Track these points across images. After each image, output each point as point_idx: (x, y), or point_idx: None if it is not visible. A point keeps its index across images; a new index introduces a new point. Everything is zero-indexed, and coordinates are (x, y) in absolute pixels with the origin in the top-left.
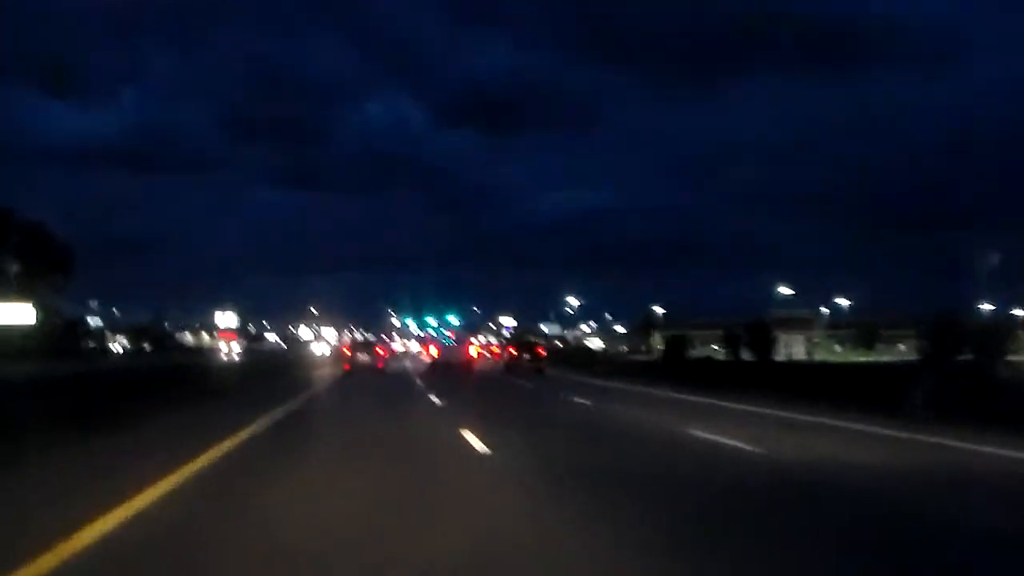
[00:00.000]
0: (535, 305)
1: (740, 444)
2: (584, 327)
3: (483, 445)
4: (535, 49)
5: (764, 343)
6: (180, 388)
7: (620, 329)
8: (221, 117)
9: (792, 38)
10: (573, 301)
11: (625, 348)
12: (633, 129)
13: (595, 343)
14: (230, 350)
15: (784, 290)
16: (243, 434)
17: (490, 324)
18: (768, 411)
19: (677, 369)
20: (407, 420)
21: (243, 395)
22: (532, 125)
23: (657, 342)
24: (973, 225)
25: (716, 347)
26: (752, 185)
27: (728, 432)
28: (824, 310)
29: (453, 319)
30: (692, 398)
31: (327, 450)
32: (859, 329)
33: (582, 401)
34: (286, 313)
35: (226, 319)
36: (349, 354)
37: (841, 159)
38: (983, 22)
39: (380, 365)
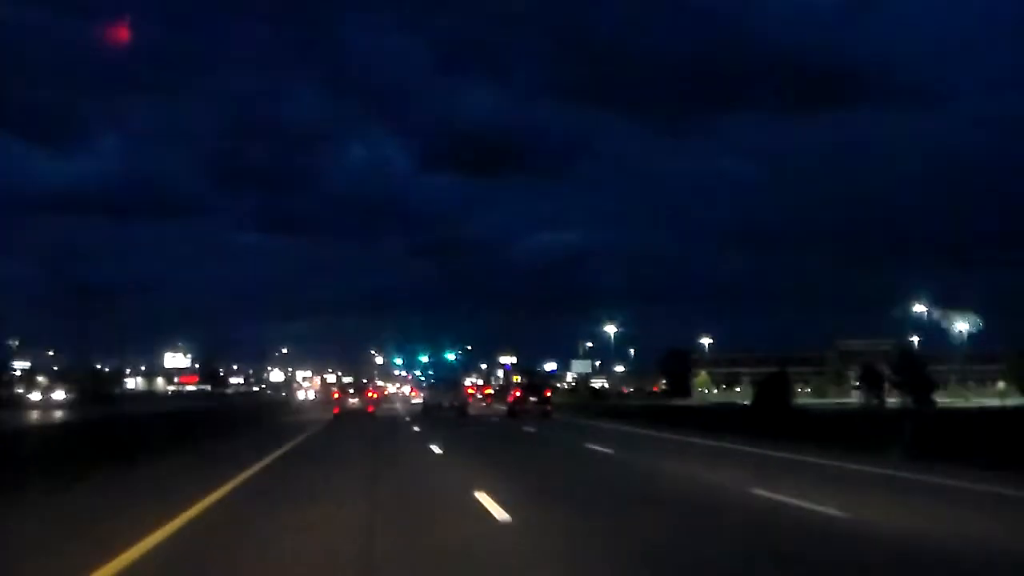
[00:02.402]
0: (530, 345)
1: None
2: (576, 365)
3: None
4: (517, 92)
5: (922, 382)
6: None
7: (619, 368)
8: (201, 162)
9: (774, 78)
10: (606, 332)
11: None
12: (617, 169)
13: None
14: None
15: (919, 309)
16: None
17: (481, 365)
18: None
19: (781, 419)
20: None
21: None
22: (515, 167)
23: (703, 381)
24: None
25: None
26: (742, 222)
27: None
28: (914, 339)
29: (451, 356)
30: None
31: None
32: (1010, 363)
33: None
34: (263, 356)
35: (176, 360)
36: (338, 397)
37: (824, 196)
38: (967, 61)
39: (371, 408)
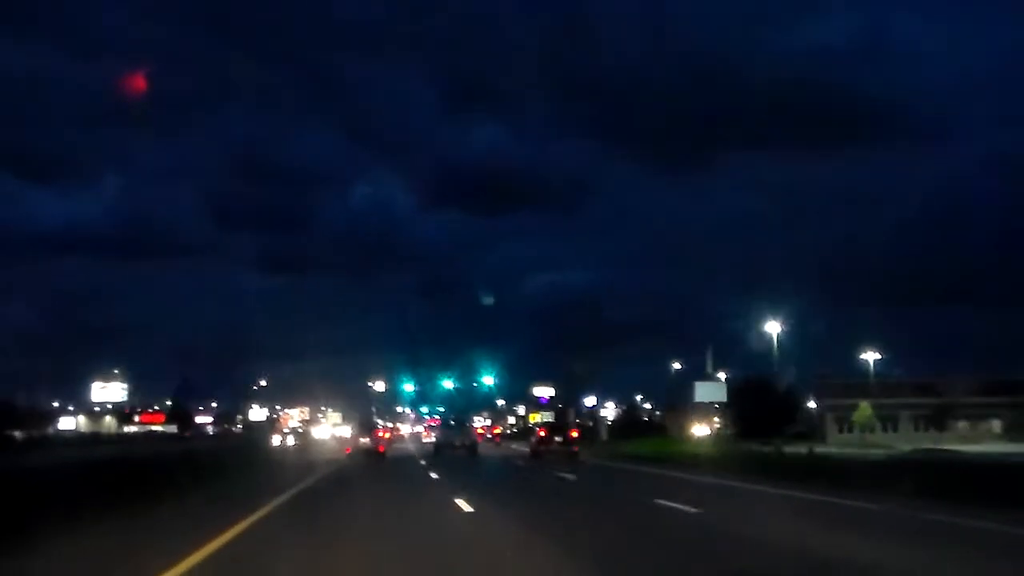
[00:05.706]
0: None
1: None
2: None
3: None
4: (523, 129)
5: None
6: None
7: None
8: (201, 202)
9: (786, 116)
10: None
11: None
12: (624, 208)
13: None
14: None
15: None
16: None
17: (498, 402)
18: None
19: None
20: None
21: None
22: (520, 205)
23: (865, 416)
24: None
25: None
26: (752, 259)
27: None
28: None
29: (489, 379)
30: None
31: None
32: None
33: None
34: (244, 394)
35: (108, 393)
36: (349, 437)
37: (834, 236)
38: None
39: (381, 448)
